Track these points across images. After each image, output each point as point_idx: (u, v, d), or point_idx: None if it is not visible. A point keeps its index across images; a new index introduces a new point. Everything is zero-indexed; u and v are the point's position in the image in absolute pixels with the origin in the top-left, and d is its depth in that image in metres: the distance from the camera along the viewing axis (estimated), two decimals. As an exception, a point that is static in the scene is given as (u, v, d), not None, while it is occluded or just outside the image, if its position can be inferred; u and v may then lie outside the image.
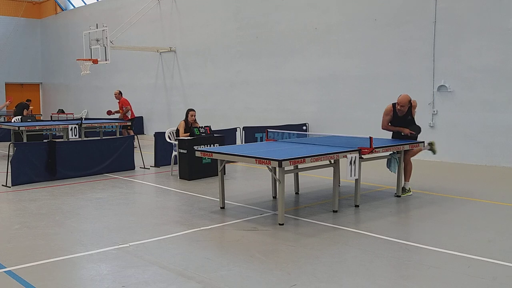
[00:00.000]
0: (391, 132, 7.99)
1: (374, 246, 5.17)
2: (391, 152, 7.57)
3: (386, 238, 5.42)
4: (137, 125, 18.79)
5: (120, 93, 15.23)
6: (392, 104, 7.68)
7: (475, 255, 4.82)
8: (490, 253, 4.90)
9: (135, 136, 11.47)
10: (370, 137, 6.79)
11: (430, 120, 11.33)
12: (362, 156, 6.66)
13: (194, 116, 9.94)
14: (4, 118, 20.16)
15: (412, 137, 7.69)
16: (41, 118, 22.22)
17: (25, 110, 16.89)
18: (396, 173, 7.60)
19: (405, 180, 7.70)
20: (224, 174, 7.85)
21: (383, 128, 7.88)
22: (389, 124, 7.79)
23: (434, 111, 11.27)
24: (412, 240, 5.35)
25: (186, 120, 9.92)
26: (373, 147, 6.71)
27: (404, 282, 4.19)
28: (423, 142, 7.71)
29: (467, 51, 10.72)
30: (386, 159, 7.72)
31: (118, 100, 15.13)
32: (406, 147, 7.42)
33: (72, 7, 24.35)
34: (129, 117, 14.99)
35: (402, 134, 7.72)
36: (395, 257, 4.84)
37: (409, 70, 11.70)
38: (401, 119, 7.67)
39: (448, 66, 11.00)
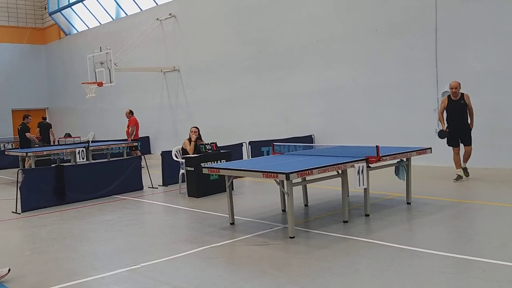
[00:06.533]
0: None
1: (387, 254, 5.13)
2: (399, 160, 7.54)
3: (398, 246, 5.38)
4: (144, 145, 18.85)
5: (131, 112, 15.32)
6: (447, 96, 9.32)
7: (489, 259, 4.77)
8: (505, 256, 4.84)
9: (142, 156, 11.51)
10: (376, 145, 6.77)
11: (436, 126, 11.28)
12: (370, 165, 6.64)
13: (195, 133, 9.93)
14: (12, 144, 20.28)
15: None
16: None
17: (50, 130, 17.07)
18: (405, 180, 7.56)
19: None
20: (232, 189, 7.84)
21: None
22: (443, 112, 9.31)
23: (439, 116, 11.22)
24: (424, 246, 5.29)
25: (189, 139, 9.94)
26: (380, 155, 6.70)
27: (419, 290, 4.15)
28: (430, 148, 7.68)
29: (469, 56, 10.71)
30: (394, 167, 7.68)
31: (128, 119, 15.23)
32: (413, 154, 7.40)
33: (76, 32, 24.63)
34: (132, 138, 15.07)
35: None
36: (408, 264, 4.79)
37: (412, 78, 11.69)
38: (456, 103, 9.16)
39: (451, 71, 10.96)
